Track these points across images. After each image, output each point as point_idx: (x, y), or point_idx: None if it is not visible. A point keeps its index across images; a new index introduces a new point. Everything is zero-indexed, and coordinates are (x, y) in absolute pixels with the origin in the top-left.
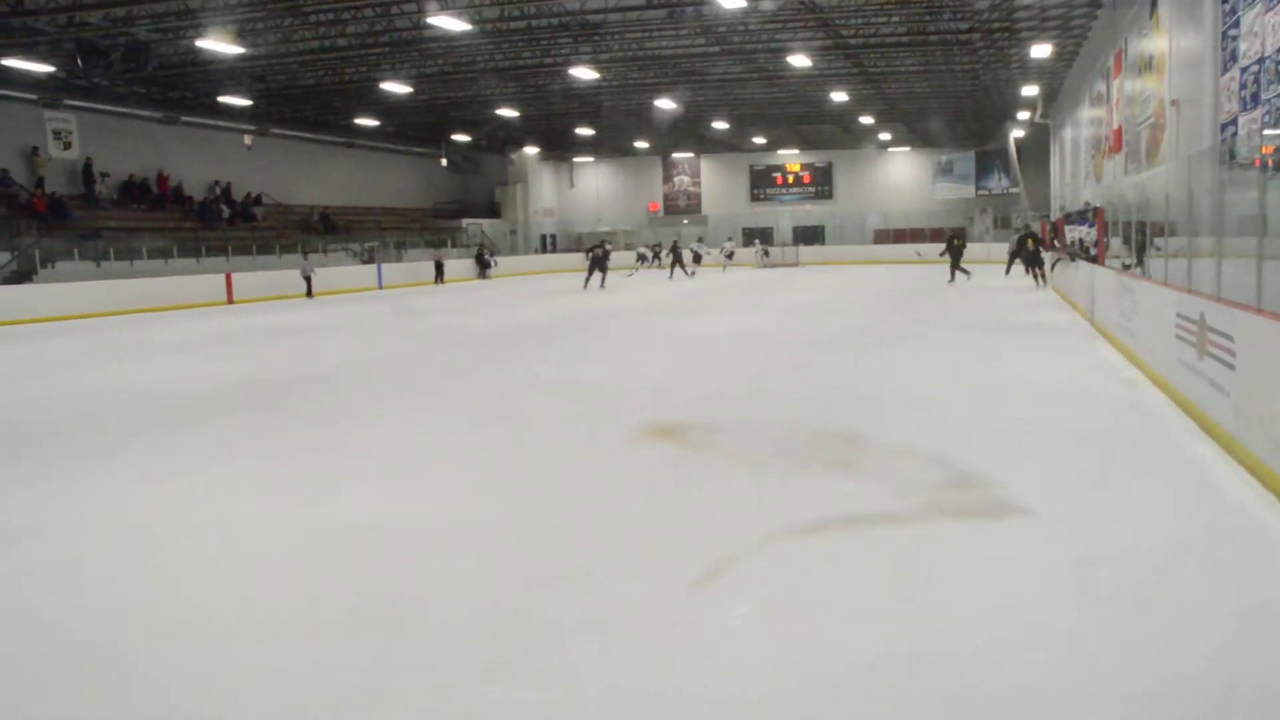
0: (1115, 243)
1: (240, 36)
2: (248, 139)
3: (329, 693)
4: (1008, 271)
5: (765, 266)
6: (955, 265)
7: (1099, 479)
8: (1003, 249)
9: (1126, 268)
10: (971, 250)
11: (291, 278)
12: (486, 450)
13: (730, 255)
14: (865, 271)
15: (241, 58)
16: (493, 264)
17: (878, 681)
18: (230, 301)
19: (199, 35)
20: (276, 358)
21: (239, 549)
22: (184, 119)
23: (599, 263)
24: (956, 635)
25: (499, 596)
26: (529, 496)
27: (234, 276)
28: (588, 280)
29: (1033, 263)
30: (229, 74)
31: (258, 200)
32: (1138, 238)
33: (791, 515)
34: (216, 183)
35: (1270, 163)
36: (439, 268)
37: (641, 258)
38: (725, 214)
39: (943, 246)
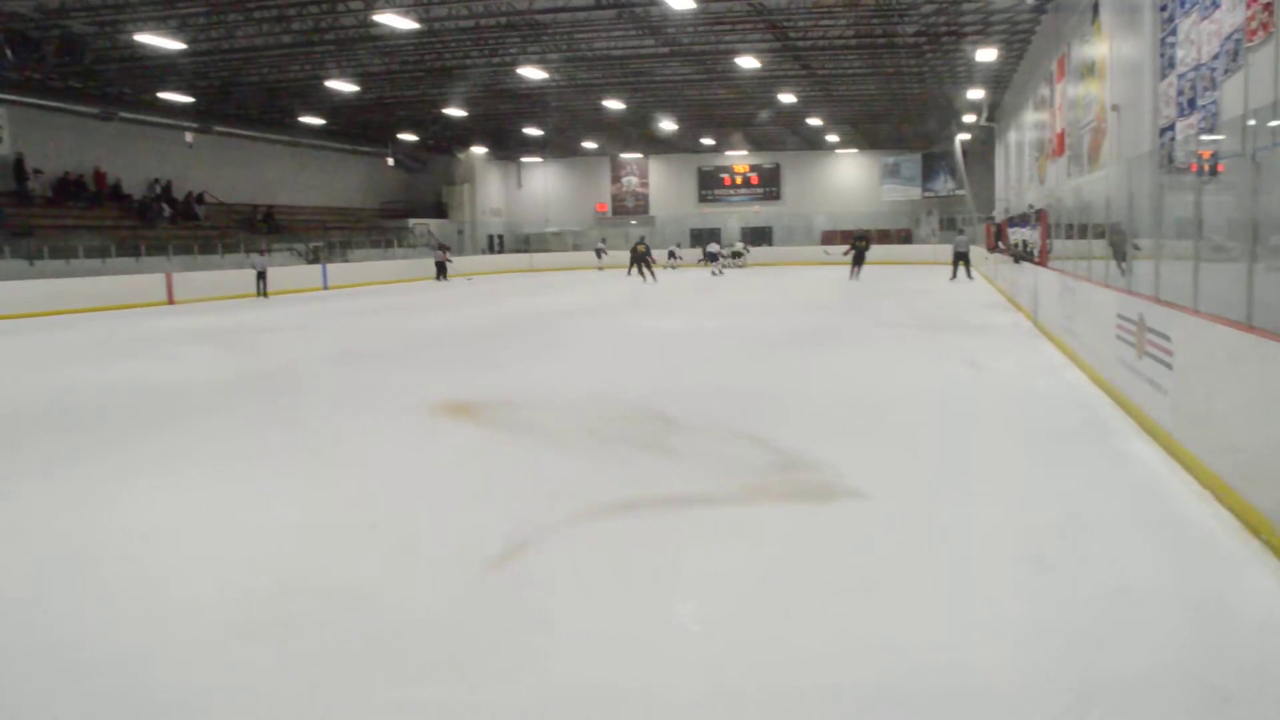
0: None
1: (181, 31)
2: (189, 136)
3: (271, 692)
4: (953, 276)
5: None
6: (858, 265)
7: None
8: (949, 250)
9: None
10: (918, 251)
11: (237, 277)
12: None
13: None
14: (815, 272)
15: (182, 53)
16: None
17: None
18: (171, 302)
19: (137, 29)
20: (221, 358)
21: (180, 552)
22: (122, 115)
23: (641, 258)
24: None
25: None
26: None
27: (175, 276)
28: (630, 271)
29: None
30: (170, 69)
31: (200, 199)
32: (1114, 238)
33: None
34: (156, 180)
35: (1206, 168)
36: (441, 267)
37: (672, 254)
38: (673, 215)
39: (845, 246)
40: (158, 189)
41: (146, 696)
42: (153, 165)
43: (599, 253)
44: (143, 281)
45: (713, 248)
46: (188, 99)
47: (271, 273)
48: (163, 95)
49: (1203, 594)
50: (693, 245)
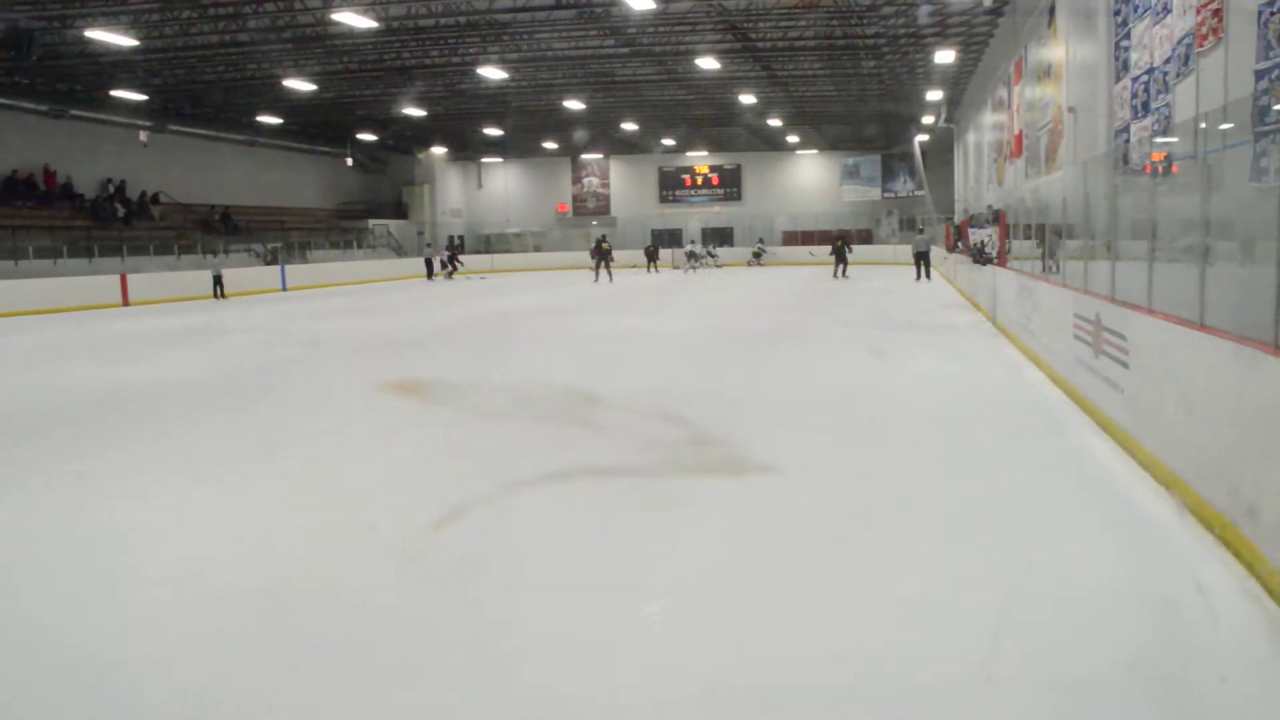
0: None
1: (133, 28)
2: (143, 135)
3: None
4: (918, 277)
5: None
6: (841, 264)
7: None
8: (908, 250)
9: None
10: (879, 251)
11: (194, 278)
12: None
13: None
14: (780, 272)
15: (135, 50)
16: (457, 265)
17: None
18: (126, 303)
19: (88, 25)
20: (179, 360)
21: (142, 554)
22: (73, 113)
23: (604, 257)
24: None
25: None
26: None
27: (130, 277)
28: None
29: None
30: (122, 67)
31: (155, 199)
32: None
33: None
34: (110, 180)
35: (1160, 169)
36: (441, 262)
37: (692, 255)
38: (634, 215)
39: (829, 248)
40: (111, 188)
41: (107, 702)
42: (105, 164)
43: (692, 255)
44: (97, 283)
45: (691, 248)
46: (141, 97)
47: (229, 274)
48: (116, 93)
49: (1157, 588)
50: (652, 245)
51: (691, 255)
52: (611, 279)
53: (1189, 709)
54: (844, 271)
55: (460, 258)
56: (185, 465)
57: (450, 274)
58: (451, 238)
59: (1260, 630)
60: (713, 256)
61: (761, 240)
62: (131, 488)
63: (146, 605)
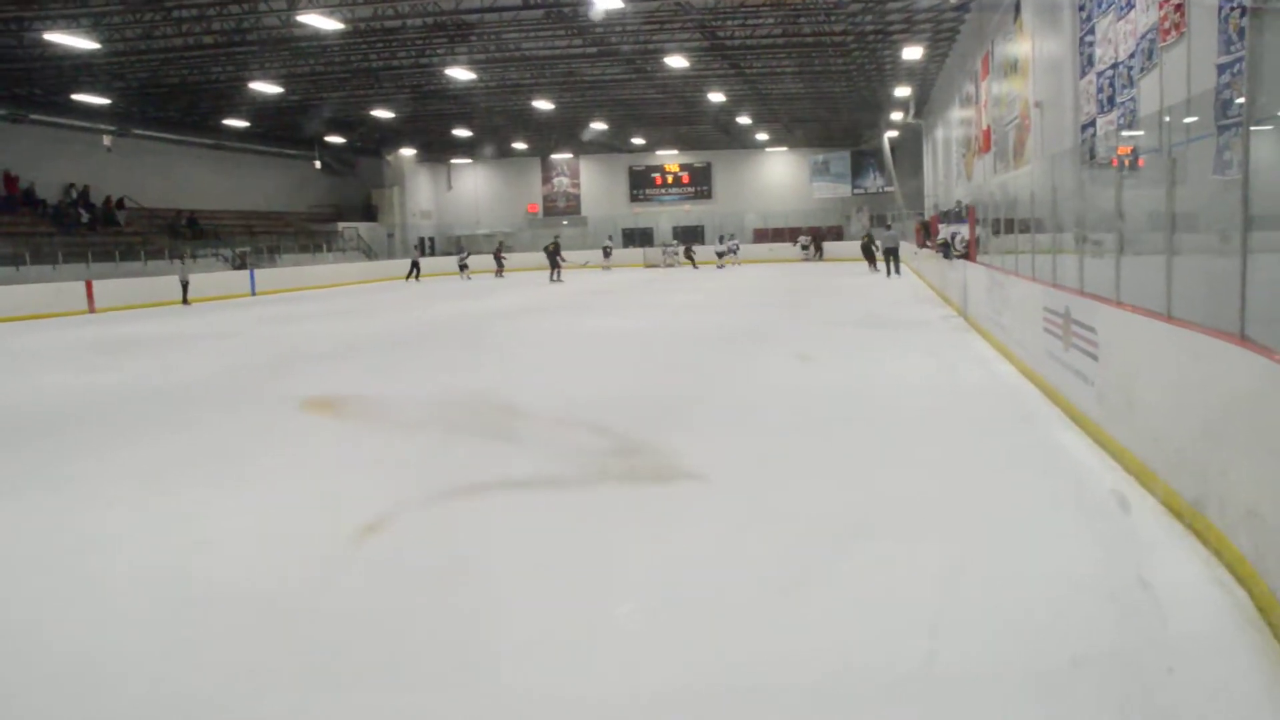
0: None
1: (94, 31)
2: (107, 139)
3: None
4: (888, 273)
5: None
6: (873, 260)
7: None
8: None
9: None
10: (850, 248)
11: (162, 284)
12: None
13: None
14: (752, 270)
15: (97, 53)
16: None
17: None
18: (92, 310)
19: (47, 28)
20: (145, 368)
21: (116, 560)
22: (33, 117)
23: (552, 258)
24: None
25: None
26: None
27: (95, 284)
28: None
29: (869, 257)
30: (84, 70)
31: (120, 204)
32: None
33: None
34: (73, 185)
35: (1126, 163)
36: (460, 264)
37: (722, 254)
38: (605, 215)
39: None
40: (74, 194)
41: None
42: (68, 169)
43: (721, 254)
44: (61, 290)
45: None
46: (104, 101)
47: (196, 279)
48: (77, 97)
49: (1126, 578)
50: (625, 245)
51: (666, 251)
52: (560, 279)
53: (1152, 695)
54: (887, 270)
55: (504, 256)
56: (131, 478)
57: (499, 272)
58: (500, 241)
59: (1227, 617)
60: (734, 252)
61: (731, 237)
62: (87, 497)
63: (117, 611)
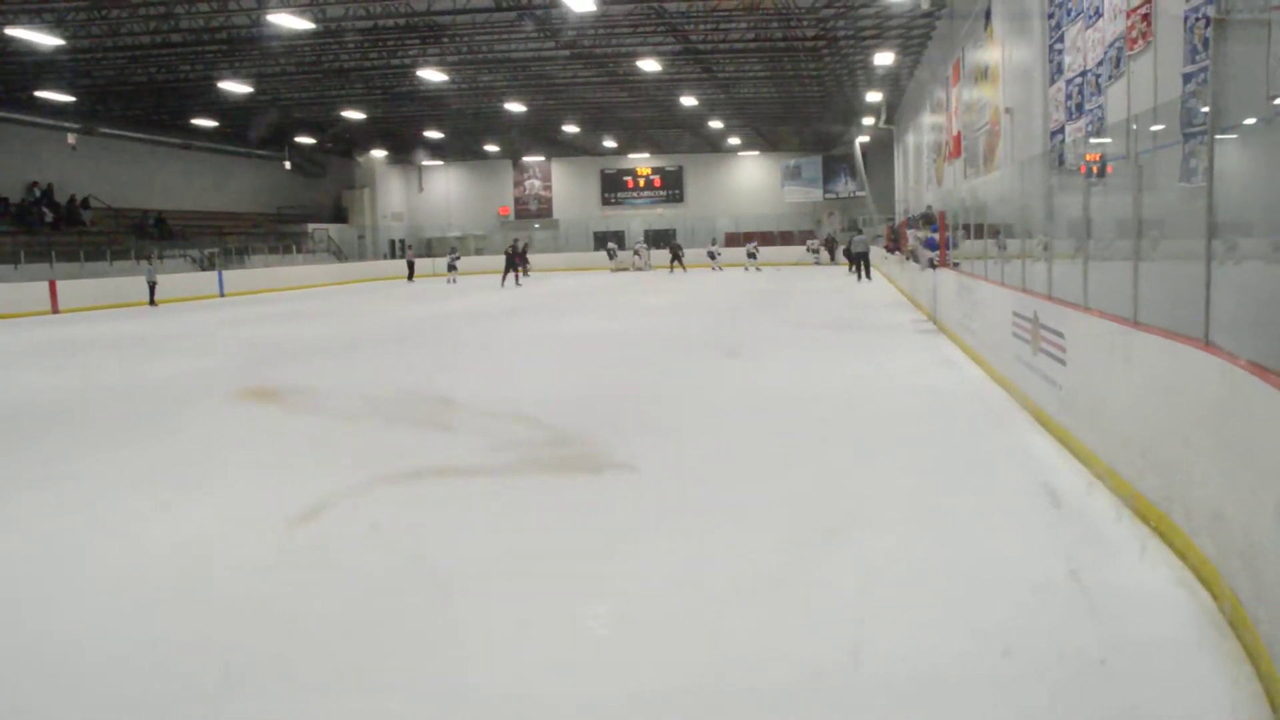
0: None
1: (58, 27)
2: (72, 138)
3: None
4: (859, 278)
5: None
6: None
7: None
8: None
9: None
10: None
11: (129, 285)
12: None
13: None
14: (727, 274)
15: (61, 50)
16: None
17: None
18: (56, 311)
19: (8, 23)
20: (108, 369)
21: (81, 566)
22: None
23: (510, 260)
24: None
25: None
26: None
27: (59, 284)
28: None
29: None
30: (48, 67)
31: (85, 203)
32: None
33: None
34: (35, 184)
35: (1095, 169)
36: (449, 265)
37: (751, 255)
38: (577, 217)
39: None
40: (38, 193)
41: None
42: (31, 168)
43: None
44: (24, 290)
45: (638, 245)
46: (69, 98)
47: (164, 280)
48: (41, 94)
49: (1093, 580)
50: (595, 248)
51: (637, 253)
52: (519, 283)
53: (1114, 695)
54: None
55: (528, 256)
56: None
57: (525, 272)
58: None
59: (1192, 619)
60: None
61: (714, 242)
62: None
63: (79, 616)
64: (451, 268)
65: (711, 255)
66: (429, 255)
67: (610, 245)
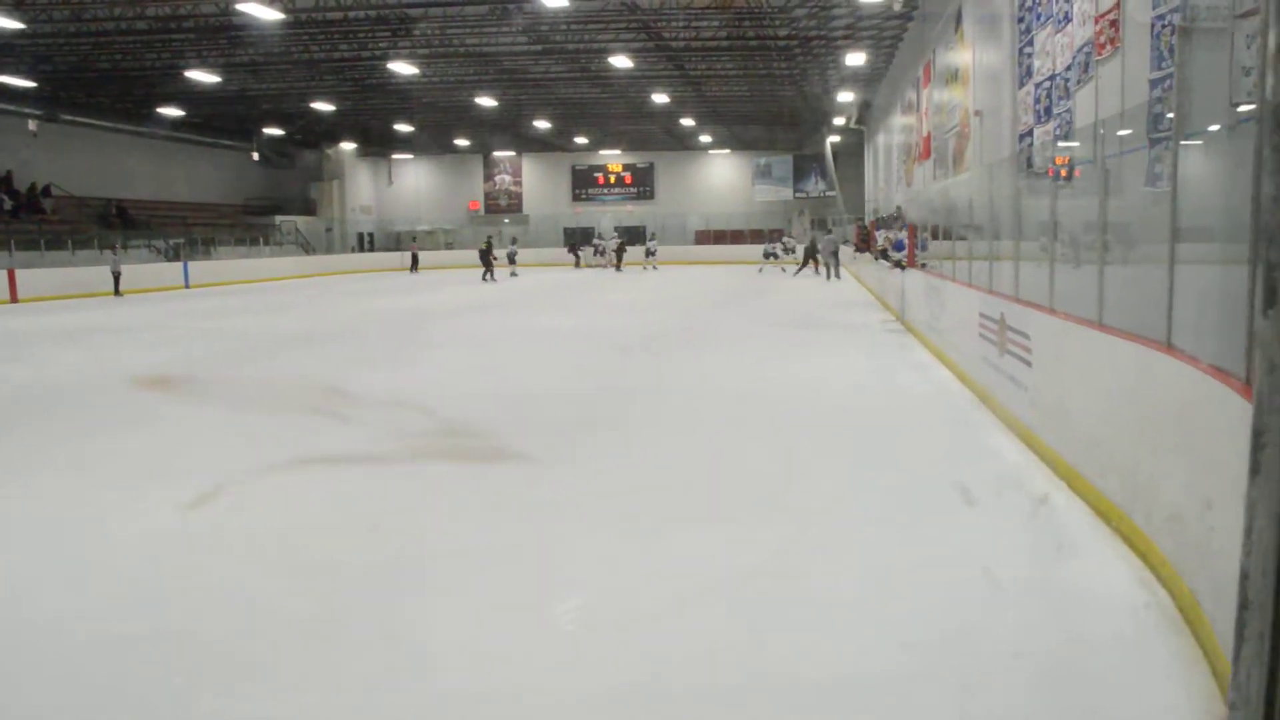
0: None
1: (18, 10)
2: (33, 124)
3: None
4: (827, 277)
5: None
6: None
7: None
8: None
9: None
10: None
11: (92, 274)
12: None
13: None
14: (697, 271)
15: (21, 34)
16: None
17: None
18: (15, 300)
19: None
20: (69, 361)
21: (33, 563)
22: None
23: (484, 256)
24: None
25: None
26: None
27: (18, 273)
28: (485, 275)
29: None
30: (7, 51)
31: (46, 191)
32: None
33: None
34: None
35: (1063, 173)
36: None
37: (771, 255)
38: (547, 213)
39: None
40: None
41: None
42: None
43: (771, 255)
44: None
45: (611, 241)
46: (30, 84)
47: (129, 270)
48: (0, 79)
49: (1054, 579)
50: (564, 245)
51: (598, 250)
52: (494, 278)
53: (1073, 693)
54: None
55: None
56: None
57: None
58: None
59: (1150, 617)
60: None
61: (653, 238)
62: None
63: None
64: (512, 259)
65: (649, 253)
66: (397, 249)
67: (580, 250)
